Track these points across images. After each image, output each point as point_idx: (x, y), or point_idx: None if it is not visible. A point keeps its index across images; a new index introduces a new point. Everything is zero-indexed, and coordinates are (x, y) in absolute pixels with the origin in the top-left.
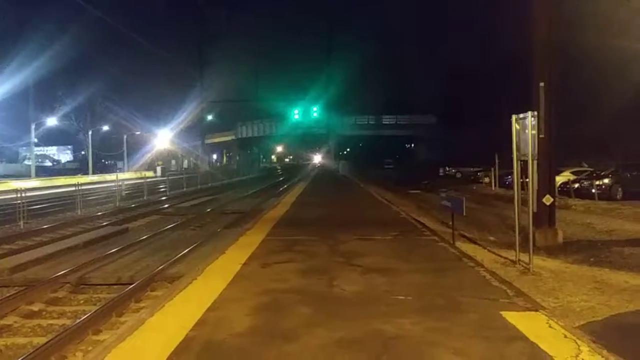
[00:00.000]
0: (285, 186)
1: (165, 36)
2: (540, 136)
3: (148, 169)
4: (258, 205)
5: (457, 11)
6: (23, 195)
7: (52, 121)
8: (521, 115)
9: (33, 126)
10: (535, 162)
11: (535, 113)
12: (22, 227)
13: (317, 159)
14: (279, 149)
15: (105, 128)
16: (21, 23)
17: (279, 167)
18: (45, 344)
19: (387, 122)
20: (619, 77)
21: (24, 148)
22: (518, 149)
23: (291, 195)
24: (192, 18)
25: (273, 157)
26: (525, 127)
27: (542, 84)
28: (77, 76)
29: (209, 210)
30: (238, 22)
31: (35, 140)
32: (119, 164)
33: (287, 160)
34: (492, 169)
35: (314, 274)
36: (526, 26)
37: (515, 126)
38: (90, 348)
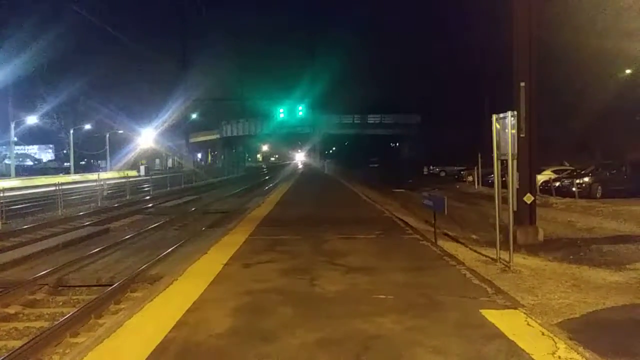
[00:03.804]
0: (271, 185)
1: (149, 34)
2: (521, 135)
3: (131, 168)
4: (242, 205)
5: (442, 11)
6: (2, 195)
7: (32, 120)
8: (501, 115)
9: (13, 125)
10: (515, 161)
11: (515, 112)
12: (0, 227)
13: (303, 158)
14: (265, 148)
15: (88, 127)
16: (0, 20)
17: (264, 167)
18: (21, 347)
19: (372, 121)
20: (600, 77)
21: (4, 147)
22: (498, 148)
23: (276, 194)
24: (176, 16)
25: (259, 156)
26: (506, 126)
27: (522, 84)
28: (59, 74)
29: (192, 209)
30: (222, 20)
31: (15, 139)
32: (102, 163)
33: (272, 159)
34: (475, 167)
35: (296, 273)
36: (509, 25)
37: (495, 125)
38: (67, 351)
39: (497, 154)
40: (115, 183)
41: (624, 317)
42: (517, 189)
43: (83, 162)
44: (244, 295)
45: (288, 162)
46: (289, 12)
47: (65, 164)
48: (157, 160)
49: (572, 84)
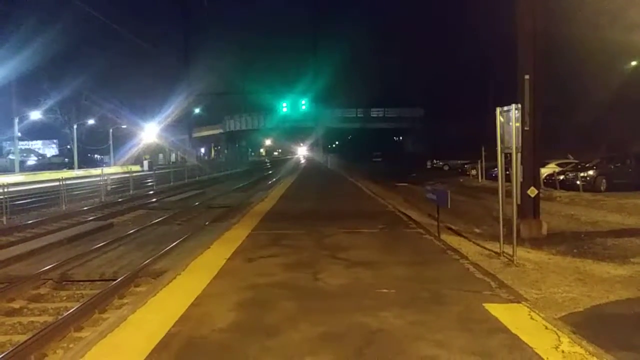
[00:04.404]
0: (274, 179)
1: (152, 28)
2: (525, 129)
3: (135, 163)
4: (245, 199)
5: (445, 3)
6: (6, 190)
7: (36, 115)
8: (505, 108)
9: (16, 120)
10: (519, 154)
11: (519, 105)
12: (4, 222)
13: (306, 152)
14: (268, 142)
15: (91, 122)
16: (3, 15)
17: (267, 161)
18: (25, 341)
19: (375, 115)
20: (605, 69)
21: (8, 142)
22: (502, 142)
23: (279, 188)
24: (178, 10)
25: (262, 150)
26: (510, 119)
27: (527, 77)
28: (62, 69)
29: (195, 204)
30: (224, 14)
31: (19, 134)
32: (105, 158)
33: (276, 153)
34: (479, 161)
35: (299, 268)
36: (512, 17)
37: (499, 118)
38: (71, 345)
39: (501, 147)
40: (118, 178)
41: (628, 311)
42: (521, 182)
43: (90, 156)
44: (247, 290)
45: (290, 156)
46: (291, 6)
47: (65, 159)
48: (161, 155)
49: (577, 77)
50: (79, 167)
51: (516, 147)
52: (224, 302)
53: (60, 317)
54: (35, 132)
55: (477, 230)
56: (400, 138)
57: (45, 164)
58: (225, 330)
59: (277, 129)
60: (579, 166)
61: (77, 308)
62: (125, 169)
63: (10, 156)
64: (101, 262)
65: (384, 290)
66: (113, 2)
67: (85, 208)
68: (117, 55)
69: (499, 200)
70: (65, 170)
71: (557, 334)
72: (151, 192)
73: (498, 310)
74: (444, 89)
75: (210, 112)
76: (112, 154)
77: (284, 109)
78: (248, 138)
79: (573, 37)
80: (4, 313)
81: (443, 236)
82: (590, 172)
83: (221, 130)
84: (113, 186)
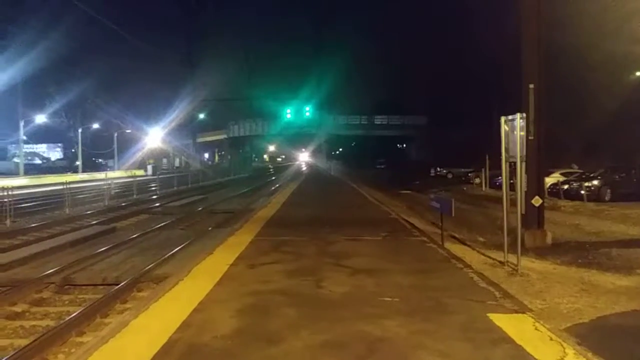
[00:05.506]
0: (277, 186)
1: (157, 34)
2: (530, 138)
3: (139, 168)
4: (248, 205)
5: (449, 12)
6: (10, 193)
7: (41, 118)
8: (510, 117)
9: (22, 123)
10: (523, 163)
11: (524, 114)
12: (8, 225)
13: (309, 158)
14: (272, 148)
15: (96, 126)
16: (10, 19)
17: (271, 167)
18: (27, 346)
19: (379, 122)
20: (610, 79)
21: (13, 145)
22: (507, 151)
23: (282, 195)
24: (184, 16)
25: (265, 156)
26: (514, 128)
27: (531, 86)
28: (68, 73)
29: (199, 209)
30: (230, 20)
31: (24, 137)
32: (110, 162)
33: (279, 159)
34: (483, 169)
35: (301, 275)
36: (517, 28)
37: (504, 127)
38: (73, 350)
39: (505, 156)
40: (122, 182)
41: (634, 322)
42: (526, 191)
43: (94, 160)
44: (249, 296)
45: (293, 162)
46: (296, 13)
47: (73, 163)
48: (165, 160)
49: (583, 86)
50: (83, 171)
51: (521, 156)
52: (227, 308)
53: (62, 321)
54: (40, 135)
55: (481, 239)
56: (404, 145)
57: (50, 167)
58: (227, 337)
59: (280, 135)
60: (584, 176)
61: (79, 312)
62: (129, 173)
63: (16, 159)
64: (104, 266)
65: (387, 299)
66: (119, 7)
67: (89, 212)
68: (122, 60)
69: (503, 209)
70: (69, 173)
71: (562, 345)
72: (155, 197)
73: (502, 321)
74: (448, 96)
75: (215, 117)
76: (116, 158)
77: (288, 116)
78: (252, 144)
79: (579, 46)
80: (6, 316)
81: (447, 244)
82: (595, 182)
83: (225, 136)
84: (117, 190)
